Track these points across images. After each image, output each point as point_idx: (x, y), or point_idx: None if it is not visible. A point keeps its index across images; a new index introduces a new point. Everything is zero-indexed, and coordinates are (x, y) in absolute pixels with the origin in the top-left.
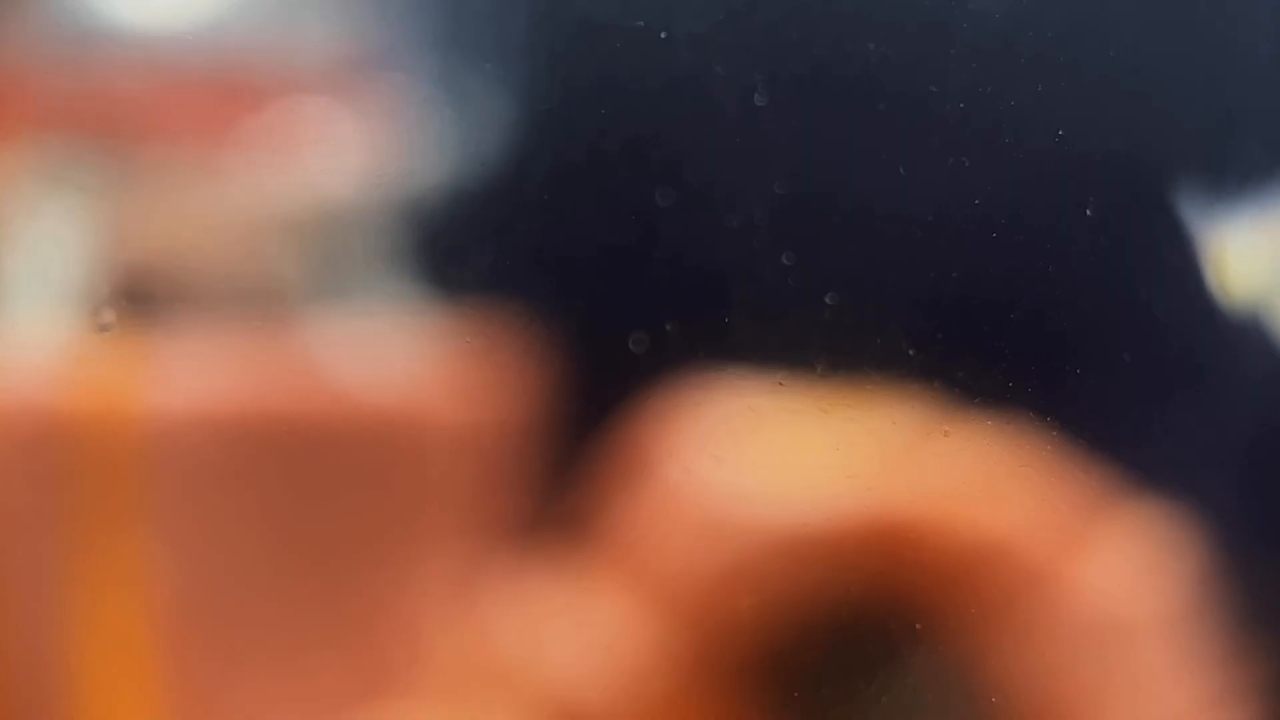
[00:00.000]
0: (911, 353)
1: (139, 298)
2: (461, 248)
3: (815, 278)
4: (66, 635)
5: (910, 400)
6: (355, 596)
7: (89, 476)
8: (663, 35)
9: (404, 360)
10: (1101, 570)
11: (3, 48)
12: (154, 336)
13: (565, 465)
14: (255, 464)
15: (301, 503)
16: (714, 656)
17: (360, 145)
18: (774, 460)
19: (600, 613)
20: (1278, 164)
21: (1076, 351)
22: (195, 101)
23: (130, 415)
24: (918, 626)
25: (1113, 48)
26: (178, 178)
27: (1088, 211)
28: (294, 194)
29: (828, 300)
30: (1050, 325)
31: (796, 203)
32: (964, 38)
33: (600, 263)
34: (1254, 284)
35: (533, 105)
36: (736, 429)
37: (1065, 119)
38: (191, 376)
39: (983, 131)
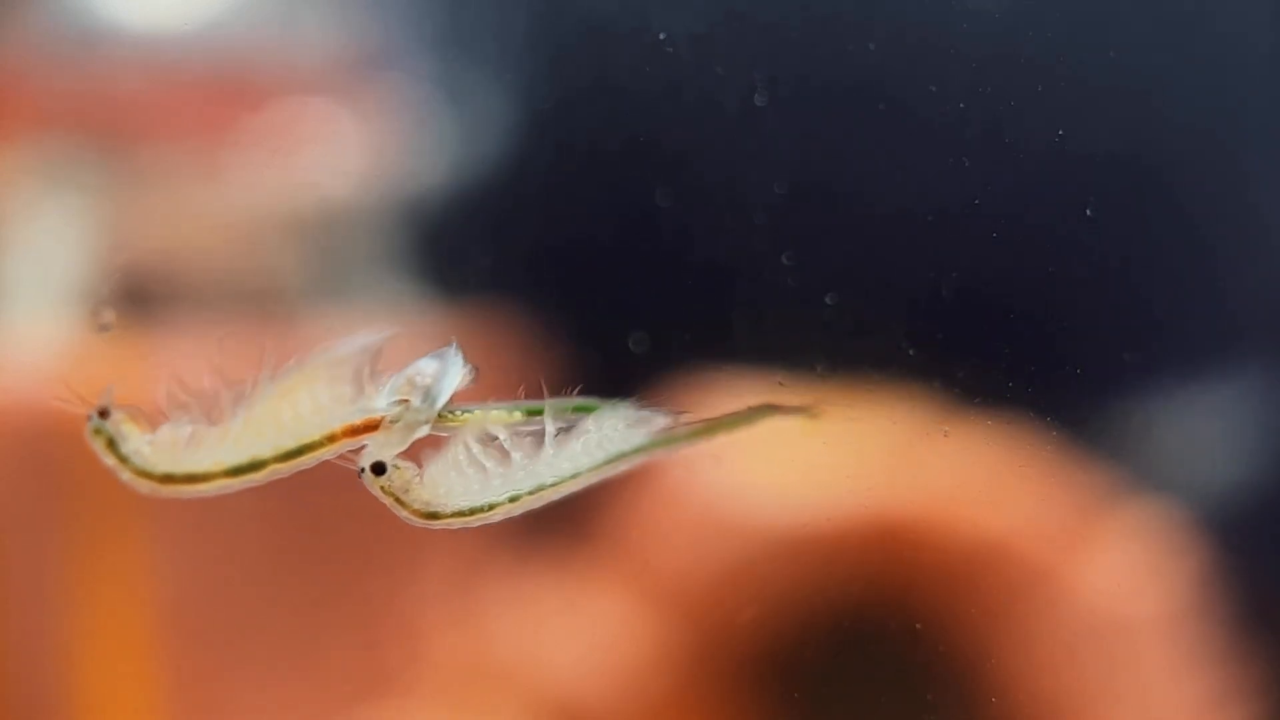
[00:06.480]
0: (911, 353)
1: (139, 298)
2: (461, 248)
3: (815, 278)
4: (66, 635)
5: (910, 400)
6: (355, 597)
7: (89, 476)
8: (662, 35)
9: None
10: (1101, 570)
11: (3, 48)
12: (154, 336)
13: None
14: None
15: (301, 503)
16: (714, 656)
17: (360, 145)
18: (774, 460)
19: (601, 612)
20: None
21: (1076, 351)
22: (195, 101)
23: None
24: (918, 626)
25: (1113, 48)
26: (178, 178)
27: (1088, 211)
28: (294, 194)
29: (828, 300)
30: (1050, 325)
31: (796, 203)
32: (964, 38)
33: (600, 262)
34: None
35: (533, 105)
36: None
37: (1065, 119)
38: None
39: (982, 131)
